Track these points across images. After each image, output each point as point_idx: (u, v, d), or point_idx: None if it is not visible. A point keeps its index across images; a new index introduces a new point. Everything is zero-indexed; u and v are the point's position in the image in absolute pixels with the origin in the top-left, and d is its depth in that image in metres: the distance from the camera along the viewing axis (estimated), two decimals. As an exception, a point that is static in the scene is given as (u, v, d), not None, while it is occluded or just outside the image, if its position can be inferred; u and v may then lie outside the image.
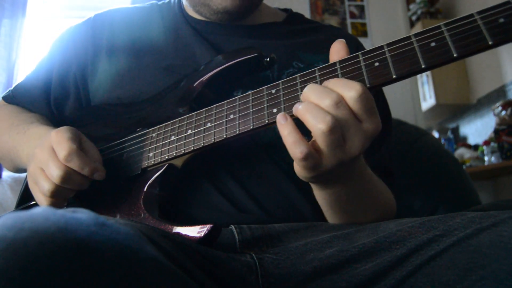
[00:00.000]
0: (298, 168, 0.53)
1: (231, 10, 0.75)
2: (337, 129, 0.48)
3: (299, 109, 0.50)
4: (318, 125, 0.47)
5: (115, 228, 0.34)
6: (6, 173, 1.52)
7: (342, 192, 0.60)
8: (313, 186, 0.60)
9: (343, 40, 0.55)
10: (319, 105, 0.48)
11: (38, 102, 0.84)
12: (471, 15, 0.47)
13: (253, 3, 0.78)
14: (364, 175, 0.62)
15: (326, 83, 0.51)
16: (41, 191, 0.62)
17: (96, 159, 0.64)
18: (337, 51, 0.55)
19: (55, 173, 0.60)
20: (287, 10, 0.90)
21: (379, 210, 0.68)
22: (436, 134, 3.60)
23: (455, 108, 3.65)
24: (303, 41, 0.82)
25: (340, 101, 0.48)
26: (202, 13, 0.79)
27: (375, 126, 0.50)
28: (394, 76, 0.49)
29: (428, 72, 3.45)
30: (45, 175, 0.61)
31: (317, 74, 0.54)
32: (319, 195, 0.62)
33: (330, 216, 0.66)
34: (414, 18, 3.76)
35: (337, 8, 2.79)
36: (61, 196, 0.62)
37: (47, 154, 0.61)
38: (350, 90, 0.48)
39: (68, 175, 0.60)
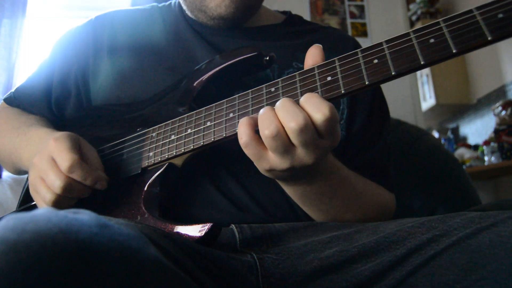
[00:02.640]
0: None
1: (226, 17, 0.76)
2: (281, 136, 0.49)
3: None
4: (265, 131, 0.49)
5: (117, 229, 0.34)
6: (6, 173, 1.52)
7: (307, 190, 0.61)
8: (279, 183, 0.61)
9: (320, 45, 0.56)
10: (284, 124, 0.49)
11: (38, 104, 0.84)
12: (470, 11, 0.46)
13: (249, 10, 0.78)
14: (334, 176, 0.63)
15: (301, 99, 0.51)
16: (43, 200, 0.62)
17: (97, 167, 0.63)
18: (313, 54, 0.55)
19: (56, 183, 0.59)
20: (286, 13, 0.91)
21: (364, 210, 0.69)
22: (436, 134, 3.60)
23: (455, 108, 3.65)
24: (302, 42, 0.82)
25: (306, 125, 0.49)
26: (199, 18, 0.80)
27: (334, 142, 0.52)
28: (393, 73, 0.49)
29: (428, 72, 3.45)
30: (45, 185, 0.61)
31: (316, 72, 0.54)
32: (287, 191, 0.63)
33: (307, 212, 0.67)
34: (414, 18, 3.76)
35: (337, 8, 2.79)
36: (63, 205, 0.62)
37: (47, 164, 0.61)
38: (318, 112, 0.49)
39: (70, 185, 0.60)
